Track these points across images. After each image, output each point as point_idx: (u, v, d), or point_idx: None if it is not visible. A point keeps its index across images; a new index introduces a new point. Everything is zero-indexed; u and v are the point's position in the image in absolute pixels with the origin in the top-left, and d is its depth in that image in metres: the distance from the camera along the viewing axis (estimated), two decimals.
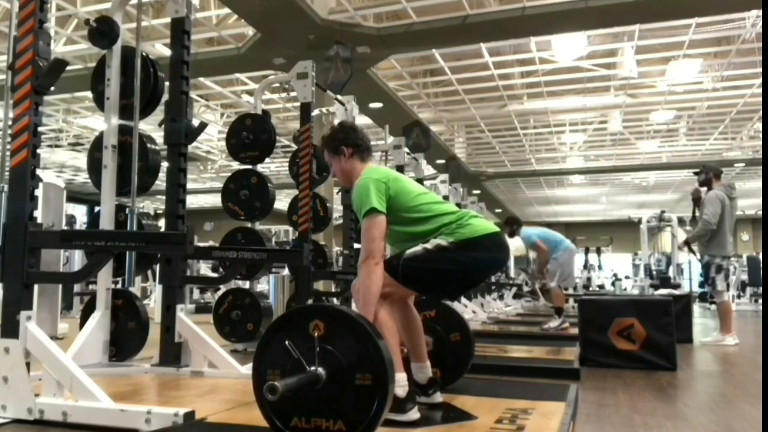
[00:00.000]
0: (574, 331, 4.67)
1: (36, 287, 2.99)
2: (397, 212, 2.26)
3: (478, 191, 18.10)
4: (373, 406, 1.73)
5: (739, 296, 13.34)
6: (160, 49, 8.81)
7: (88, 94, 6.16)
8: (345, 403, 1.77)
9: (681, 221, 14.01)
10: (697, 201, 6.22)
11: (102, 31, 3.39)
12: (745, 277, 13.57)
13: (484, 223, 2.26)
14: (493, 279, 11.68)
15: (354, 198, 2.28)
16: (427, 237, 2.23)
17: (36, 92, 2.43)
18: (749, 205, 20.23)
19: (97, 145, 3.45)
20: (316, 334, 1.79)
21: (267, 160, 5.06)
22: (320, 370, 1.76)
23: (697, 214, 5.91)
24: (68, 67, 2.57)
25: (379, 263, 2.16)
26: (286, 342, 1.82)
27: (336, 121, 8.18)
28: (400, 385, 2.08)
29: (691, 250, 6.05)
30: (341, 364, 1.77)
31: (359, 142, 2.42)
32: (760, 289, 12.58)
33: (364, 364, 1.76)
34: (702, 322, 8.81)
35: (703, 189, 6.03)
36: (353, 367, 1.76)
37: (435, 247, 2.19)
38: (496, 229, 2.26)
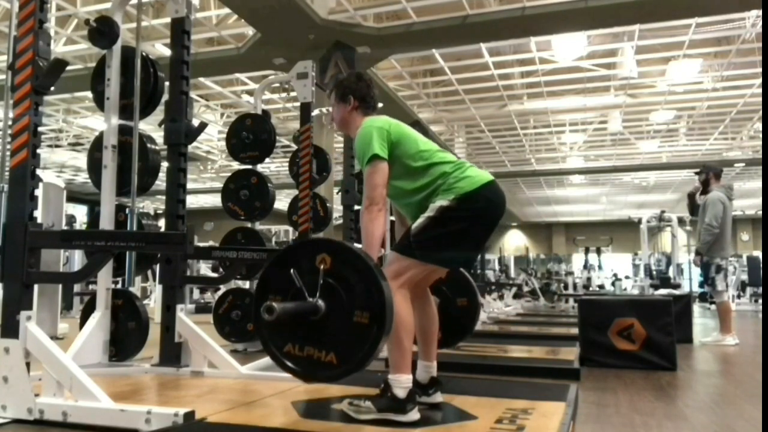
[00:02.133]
0: (575, 331, 4.67)
1: (36, 287, 2.98)
2: (400, 158, 2.25)
3: None
4: (366, 344, 1.76)
5: (739, 296, 13.33)
6: (160, 49, 8.82)
7: (88, 94, 6.16)
8: (340, 338, 1.80)
9: (681, 221, 14.01)
10: (692, 197, 6.21)
11: (102, 31, 3.38)
12: (745, 277, 13.56)
13: (481, 174, 2.26)
14: (492, 279, 11.66)
15: (356, 146, 2.27)
16: (426, 190, 2.22)
17: (36, 92, 2.43)
18: (749, 205, 20.24)
19: (97, 145, 3.45)
20: (321, 267, 1.83)
21: (267, 160, 5.06)
22: (320, 302, 1.81)
23: (700, 215, 5.87)
24: (68, 67, 2.56)
25: (382, 210, 2.16)
26: (292, 271, 1.85)
27: None
28: (403, 385, 2.09)
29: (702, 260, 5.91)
30: (342, 300, 1.80)
31: (368, 99, 2.42)
32: (760, 289, 12.57)
33: (364, 302, 1.79)
34: (702, 322, 8.80)
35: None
36: (353, 304, 1.79)
37: (438, 211, 2.16)
38: (492, 177, 2.27)
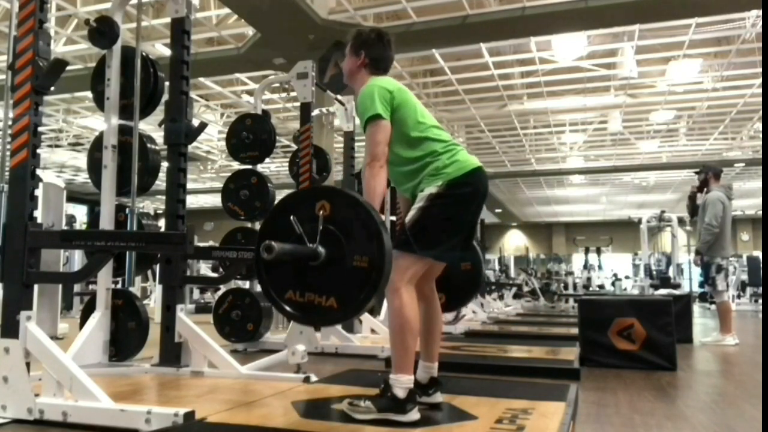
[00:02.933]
0: (575, 331, 4.67)
1: (36, 287, 2.98)
2: (397, 123, 2.26)
3: None
4: (366, 288, 1.80)
5: (739, 296, 13.33)
6: (160, 49, 8.81)
7: (88, 94, 6.16)
8: (339, 282, 1.84)
9: (681, 221, 14.01)
10: (693, 199, 6.21)
11: (102, 31, 3.38)
12: (745, 277, 13.56)
13: (470, 159, 2.29)
14: (493, 279, 11.64)
15: (358, 104, 2.29)
16: (416, 164, 2.24)
17: (36, 92, 2.43)
18: (749, 205, 20.23)
19: (97, 145, 3.45)
20: (321, 213, 1.86)
21: (267, 160, 5.07)
22: (320, 248, 1.84)
23: (700, 215, 5.87)
24: (68, 67, 2.56)
25: (384, 166, 2.19)
26: (292, 218, 1.88)
27: (336, 121, 8.21)
28: (403, 386, 2.09)
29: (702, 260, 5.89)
30: (341, 245, 1.84)
31: (380, 60, 2.41)
32: (760, 289, 12.57)
33: (363, 247, 1.82)
34: (702, 322, 8.80)
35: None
36: (353, 248, 1.83)
37: (428, 200, 2.19)
38: (480, 164, 2.30)
